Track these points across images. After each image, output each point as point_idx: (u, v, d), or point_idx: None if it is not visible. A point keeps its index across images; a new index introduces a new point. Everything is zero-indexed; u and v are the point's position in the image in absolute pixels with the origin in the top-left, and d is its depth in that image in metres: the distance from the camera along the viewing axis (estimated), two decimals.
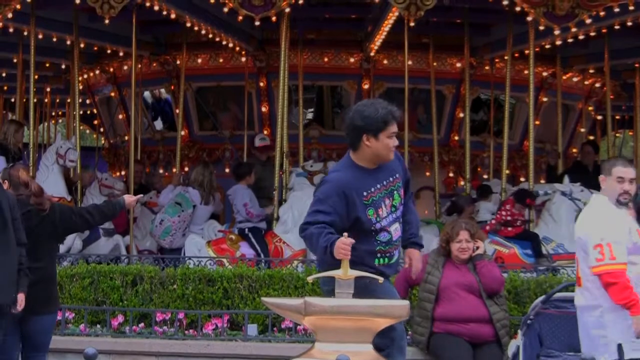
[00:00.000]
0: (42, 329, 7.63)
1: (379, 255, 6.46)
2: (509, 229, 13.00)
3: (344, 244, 6.03)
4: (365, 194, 6.36)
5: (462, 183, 15.99)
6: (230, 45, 15.45)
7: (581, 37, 14.48)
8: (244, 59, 16.32)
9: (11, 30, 14.72)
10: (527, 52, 13.85)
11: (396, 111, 6.42)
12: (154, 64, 17.22)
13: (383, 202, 6.43)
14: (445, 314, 8.67)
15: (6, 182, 7.79)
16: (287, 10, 12.39)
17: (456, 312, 8.64)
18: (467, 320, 8.61)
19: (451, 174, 16.91)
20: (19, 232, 7.24)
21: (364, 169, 6.45)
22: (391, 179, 6.50)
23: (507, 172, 14.50)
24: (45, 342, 7.70)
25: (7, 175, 7.97)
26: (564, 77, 17.44)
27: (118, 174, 17.82)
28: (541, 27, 12.64)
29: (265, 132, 16.10)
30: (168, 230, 13.32)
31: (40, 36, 14.63)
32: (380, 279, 6.16)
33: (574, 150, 18.77)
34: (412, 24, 12.93)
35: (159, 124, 18.55)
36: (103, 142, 21.66)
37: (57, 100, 22.73)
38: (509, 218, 12.96)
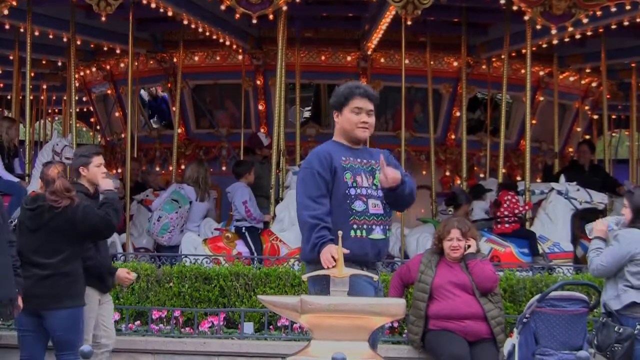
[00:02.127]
0: (57, 325, 7.58)
1: (354, 226, 6.38)
2: (506, 225, 13.03)
3: (331, 255, 6.05)
4: (343, 158, 6.43)
5: (458, 182, 16.00)
6: (228, 43, 15.46)
7: (578, 36, 14.49)
8: (241, 57, 16.32)
9: (7, 26, 14.72)
10: (524, 51, 13.86)
11: (363, 88, 6.48)
12: (151, 62, 17.22)
13: (363, 173, 6.46)
14: (439, 311, 8.69)
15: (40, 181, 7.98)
16: (285, 8, 12.38)
17: (450, 309, 8.65)
18: (462, 317, 8.62)
19: (448, 173, 16.94)
20: (9, 233, 7.27)
21: (343, 144, 6.54)
22: (372, 160, 6.53)
23: (504, 171, 14.52)
24: (64, 340, 7.57)
25: (42, 173, 8.13)
26: (561, 77, 17.47)
27: (114, 171, 17.81)
28: (538, 27, 12.67)
29: (262, 130, 16.10)
30: (166, 227, 13.31)
31: (36, 33, 14.61)
32: (375, 277, 6.16)
33: (571, 149, 18.80)
34: (409, 22, 12.96)
35: (155, 122, 18.54)
36: (99, 139, 21.65)
37: (54, 98, 22.75)
38: (516, 211, 13.06)
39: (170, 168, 16.13)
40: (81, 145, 17.40)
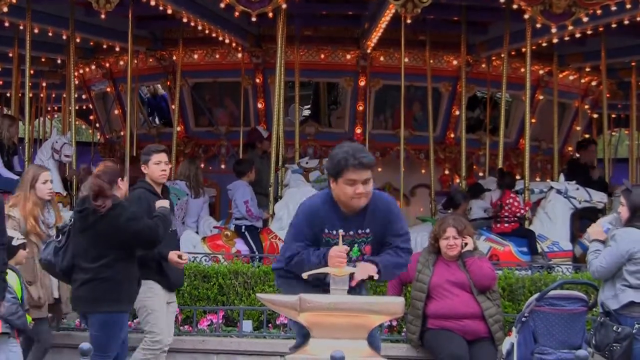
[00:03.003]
0: (92, 328, 7.55)
1: None
2: (506, 225, 13.04)
3: (339, 251, 6.04)
4: (326, 231, 6.28)
5: (457, 181, 16.00)
6: (227, 41, 15.46)
7: (578, 35, 14.48)
8: (240, 55, 16.33)
9: (7, 24, 14.72)
10: (523, 50, 13.85)
11: (358, 159, 6.08)
12: (150, 60, 17.22)
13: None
14: (437, 311, 8.68)
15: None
16: (284, 6, 12.38)
17: (448, 308, 8.64)
18: (461, 316, 8.61)
19: (447, 172, 16.95)
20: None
21: (339, 209, 6.30)
22: (360, 231, 6.31)
23: (504, 169, 14.51)
24: (96, 343, 7.40)
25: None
26: (561, 76, 17.48)
27: None
28: (538, 25, 12.66)
29: (267, 134, 16.11)
30: None
31: (36, 30, 14.59)
32: (376, 276, 6.15)
33: (570, 148, 18.81)
34: (408, 21, 12.97)
35: (155, 120, 18.55)
36: (99, 137, 21.66)
37: (53, 95, 22.75)
38: (517, 214, 13.08)
39: (170, 166, 16.11)
40: (80, 143, 17.44)
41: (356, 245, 6.31)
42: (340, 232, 6.10)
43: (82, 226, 7.55)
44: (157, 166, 8.23)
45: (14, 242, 7.76)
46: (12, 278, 7.54)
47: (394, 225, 6.37)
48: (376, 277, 6.16)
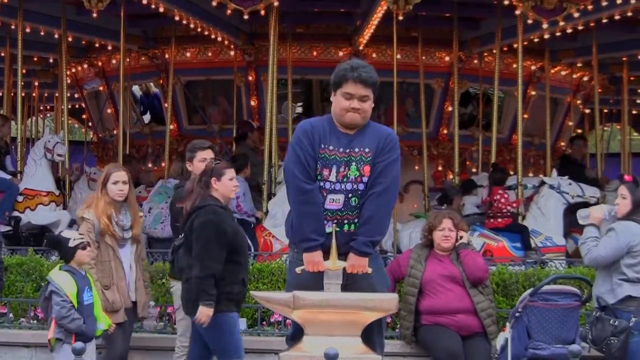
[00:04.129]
0: (200, 329, 7.46)
1: None
2: (499, 220, 13.06)
3: (316, 264, 6.02)
4: (322, 146, 6.17)
5: (450, 177, 16.02)
6: (219, 39, 15.46)
7: (569, 30, 14.52)
8: (232, 53, 16.33)
9: None
10: (515, 45, 13.87)
11: (358, 71, 6.09)
12: (143, 58, 17.21)
13: (335, 165, 6.17)
14: (431, 306, 8.68)
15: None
16: (276, 4, 12.37)
17: (442, 304, 8.64)
18: (454, 311, 8.61)
19: (440, 168, 16.96)
20: None
21: (335, 126, 6.24)
22: (357, 149, 6.17)
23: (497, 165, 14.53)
24: (212, 346, 7.43)
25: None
26: (553, 71, 17.50)
27: None
28: (530, 21, 12.69)
29: (256, 124, 16.11)
30: (158, 218, 13.31)
31: (27, 30, 14.60)
32: (369, 270, 6.12)
33: (562, 143, 18.84)
34: (400, 17, 12.95)
35: (146, 118, 18.53)
36: (91, 136, 21.65)
37: (45, 95, 22.73)
38: (504, 210, 13.09)
39: (163, 164, 16.13)
40: (73, 142, 17.43)
41: (354, 163, 6.17)
42: (334, 226, 6.07)
43: (187, 225, 7.44)
44: (203, 164, 8.13)
45: (71, 243, 7.63)
46: (65, 280, 7.47)
47: (387, 154, 6.23)
48: (369, 271, 6.15)
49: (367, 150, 6.16)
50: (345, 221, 6.19)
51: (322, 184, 6.16)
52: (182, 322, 8.25)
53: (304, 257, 6.05)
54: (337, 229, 6.15)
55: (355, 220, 6.19)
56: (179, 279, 7.86)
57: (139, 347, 9.42)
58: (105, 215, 8.19)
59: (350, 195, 6.18)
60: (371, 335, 6.23)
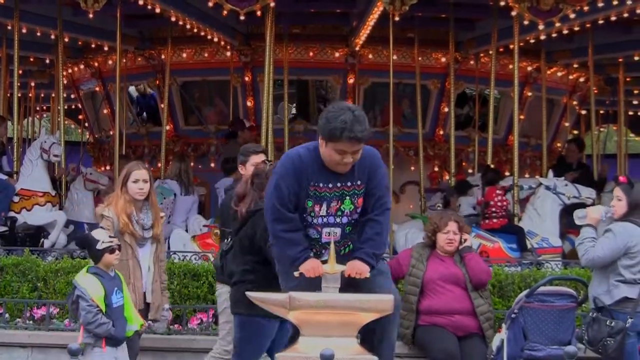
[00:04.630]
0: (235, 329, 7.41)
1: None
2: (494, 221, 13.06)
3: (315, 269, 5.98)
4: (313, 184, 6.08)
5: (447, 177, 16.03)
6: (216, 39, 15.46)
7: (565, 32, 14.54)
8: (229, 54, 16.33)
9: None
10: (511, 46, 13.88)
11: (354, 132, 5.82)
12: (139, 59, 17.21)
13: (327, 202, 6.12)
14: (430, 306, 8.68)
15: None
16: (272, 4, 12.37)
17: (441, 304, 8.64)
18: (452, 312, 8.62)
19: (436, 169, 16.98)
20: None
21: (325, 167, 6.09)
22: (349, 183, 6.10)
23: (492, 166, 14.54)
24: (235, 345, 7.36)
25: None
26: (549, 72, 17.51)
27: (103, 168, 17.79)
28: (526, 22, 12.69)
29: (250, 123, 16.11)
30: None
31: (24, 30, 14.59)
32: (368, 274, 6.11)
33: (559, 144, 18.85)
34: (397, 18, 12.95)
35: (141, 120, 18.53)
36: (88, 136, 21.63)
37: (42, 95, 22.71)
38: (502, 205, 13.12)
39: (159, 165, 16.11)
40: (69, 142, 17.40)
41: (348, 197, 6.13)
42: (332, 242, 6.08)
43: (245, 229, 7.32)
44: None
45: (99, 246, 7.55)
46: (91, 283, 7.41)
47: (377, 177, 6.18)
48: (368, 275, 6.14)
49: (359, 183, 6.12)
50: (342, 248, 6.23)
51: (315, 220, 6.15)
52: (226, 325, 8.13)
53: (302, 268, 6.02)
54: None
55: (350, 244, 6.25)
56: (227, 283, 7.77)
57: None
58: (124, 214, 8.10)
59: (346, 226, 6.21)
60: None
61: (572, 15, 12.47)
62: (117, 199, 8.20)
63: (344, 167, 6.01)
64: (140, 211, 8.23)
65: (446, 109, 16.55)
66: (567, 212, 13.34)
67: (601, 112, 21.82)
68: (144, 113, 18.60)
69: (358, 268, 6.09)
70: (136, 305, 8.06)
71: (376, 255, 6.21)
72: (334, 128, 5.82)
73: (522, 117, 16.24)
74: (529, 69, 17.30)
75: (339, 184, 6.09)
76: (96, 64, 18.03)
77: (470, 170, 16.68)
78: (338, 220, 6.18)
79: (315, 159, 6.07)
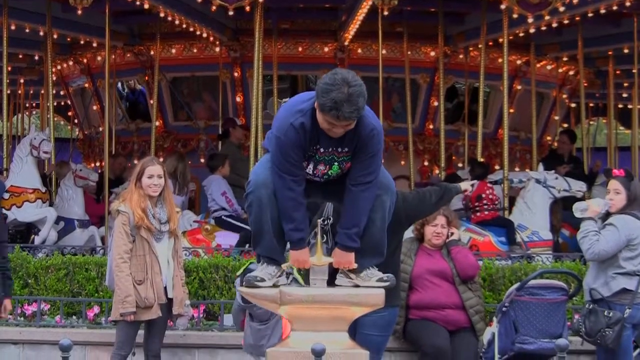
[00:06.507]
0: None
1: None
2: (486, 212, 13.06)
3: (303, 262, 5.96)
4: (313, 148, 5.93)
5: (437, 172, 16.03)
6: (204, 35, 15.42)
7: (555, 25, 14.52)
8: (218, 49, 16.30)
9: None
10: (501, 40, 13.87)
11: (342, 110, 5.62)
12: (128, 55, 17.18)
13: (313, 163, 6.00)
14: (419, 301, 8.69)
15: None
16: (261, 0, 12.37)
17: (430, 299, 8.65)
18: (442, 307, 8.63)
19: (426, 163, 16.97)
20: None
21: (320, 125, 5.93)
22: (339, 149, 5.94)
23: (482, 160, 14.54)
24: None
25: None
26: (538, 65, 17.51)
27: (92, 165, 17.76)
28: (515, 15, 12.71)
29: (240, 122, 16.08)
30: None
31: (12, 27, 14.54)
32: (354, 265, 6.06)
33: (548, 138, 18.87)
34: (386, 13, 12.96)
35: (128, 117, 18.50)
36: (77, 133, 21.58)
37: (31, 92, 22.62)
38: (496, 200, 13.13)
39: None
40: (59, 139, 17.34)
41: (335, 163, 6.00)
42: (319, 222, 6.04)
43: None
44: None
45: None
46: None
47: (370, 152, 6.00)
48: (354, 267, 6.09)
49: (346, 150, 5.96)
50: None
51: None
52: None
53: (292, 254, 6.01)
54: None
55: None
56: None
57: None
58: (139, 208, 8.12)
59: None
60: None
61: (562, 9, 12.47)
62: (132, 194, 8.20)
63: (334, 133, 5.84)
64: (155, 206, 8.23)
65: (436, 103, 16.55)
66: (563, 206, 13.37)
67: (591, 105, 21.81)
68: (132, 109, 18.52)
69: (344, 261, 6.01)
70: (158, 300, 8.07)
71: (357, 234, 5.98)
72: (323, 104, 5.67)
73: (511, 110, 16.24)
74: (519, 62, 17.30)
75: (330, 149, 5.95)
76: (85, 61, 17.99)
77: (460, 164, 16.68)
78: (320, 180, 6.08)
79: (314, 122, 5.88)
